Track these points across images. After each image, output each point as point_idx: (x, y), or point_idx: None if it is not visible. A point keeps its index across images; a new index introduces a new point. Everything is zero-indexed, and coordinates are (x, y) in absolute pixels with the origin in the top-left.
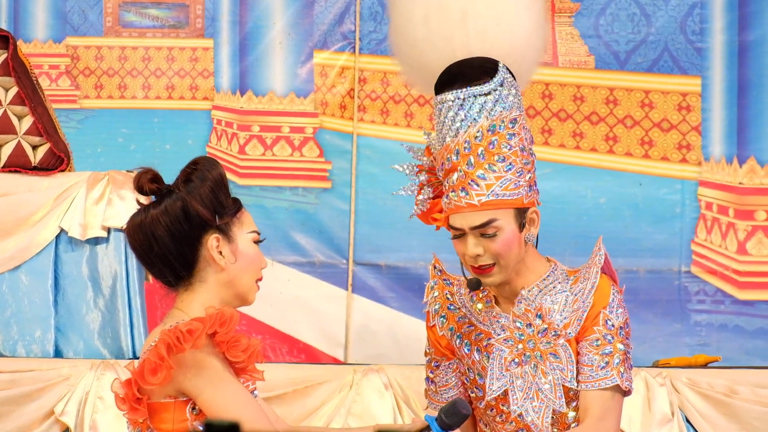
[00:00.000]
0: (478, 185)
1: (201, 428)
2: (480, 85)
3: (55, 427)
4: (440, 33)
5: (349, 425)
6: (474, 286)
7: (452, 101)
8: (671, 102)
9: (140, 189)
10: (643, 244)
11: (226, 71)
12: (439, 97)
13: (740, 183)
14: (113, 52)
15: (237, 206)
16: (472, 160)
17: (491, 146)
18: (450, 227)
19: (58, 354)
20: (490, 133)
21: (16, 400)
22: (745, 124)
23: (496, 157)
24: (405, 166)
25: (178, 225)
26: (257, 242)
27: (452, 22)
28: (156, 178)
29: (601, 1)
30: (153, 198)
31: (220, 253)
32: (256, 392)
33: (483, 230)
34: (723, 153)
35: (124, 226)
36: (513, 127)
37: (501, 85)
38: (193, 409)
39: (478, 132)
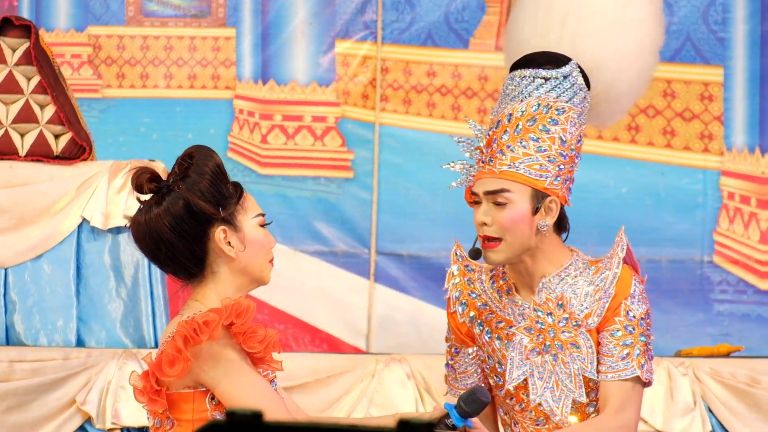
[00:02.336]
0: (504, 156)
1: (220, 418)
2: (545, 69)
3: (77, 416)
4: (571, 39)
5: (371, 415)
6: (472, 255)
7: (512, 79)
8: (693, 92)
9: (139, 189)
10: (665, 234)
11: (248, 61)
12: (507, 76)
13: (762, 173)
14: (135, 41)
15: (239, 193)
16: (509, 132)
17: (530, 123)
18: (471, 194)
19: (80, 343)
20: (533, 110)
21: (38, 390)
22: (767, 114)
23: (531, 135)
24: (464, 141)
25: (183, 224)
26: (263, 225)
27: (591, 37)
28: (154, 176)
29: None
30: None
31: (229, 243)
32: (275, 382)
33: (494, 197)
34: (745, 143)
35: (128, 225)
36: (559, 115)
37: (564, 78)
38: (213, 399)
39: (523, 107)
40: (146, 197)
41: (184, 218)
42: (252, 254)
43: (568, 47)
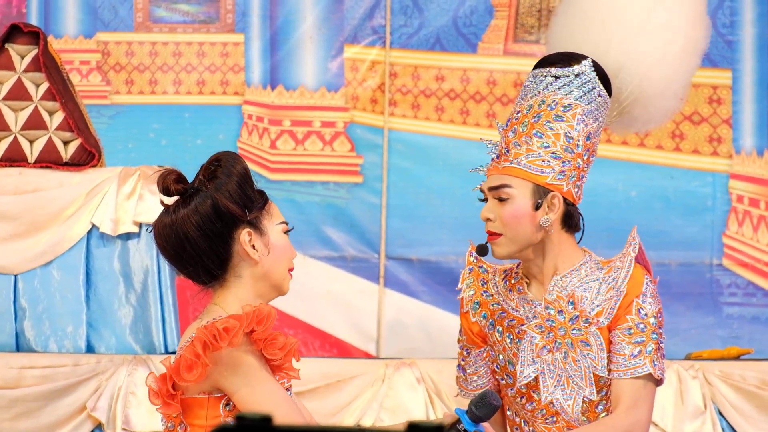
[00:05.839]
0: (509, 152)
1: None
2: (556, 68)
3: (87, 422)
4: (614, 39)
5: (382, 419)
6: (479, 250)
7: (529, 78)
8: (702, 95)
9: (166, 190)
10: (674, 237)
11: (256, 66)
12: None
13: None
14: (144, 47)
15: (264, 199)
16: (516, 129)
17: (534, 120)
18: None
19: (90, 349)
20: (538, 107)
21: (48, 396)
22: None
23: (535, 131)
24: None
25: (210, 224)
26: (286, 232)
27: (629, 41)
28: (181, 178)
29: None
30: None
31: (253, 246)
32: (290, 391)
33: (496, 193)
34: (754, 145)
35: (151, 229)
36: (564, 111)
37: (576, 76)
38: (227, 405)
39: (530, 105)
40: (170, 200)
41: (211, 218)
42: (275, 260)
43: (591, 49)
